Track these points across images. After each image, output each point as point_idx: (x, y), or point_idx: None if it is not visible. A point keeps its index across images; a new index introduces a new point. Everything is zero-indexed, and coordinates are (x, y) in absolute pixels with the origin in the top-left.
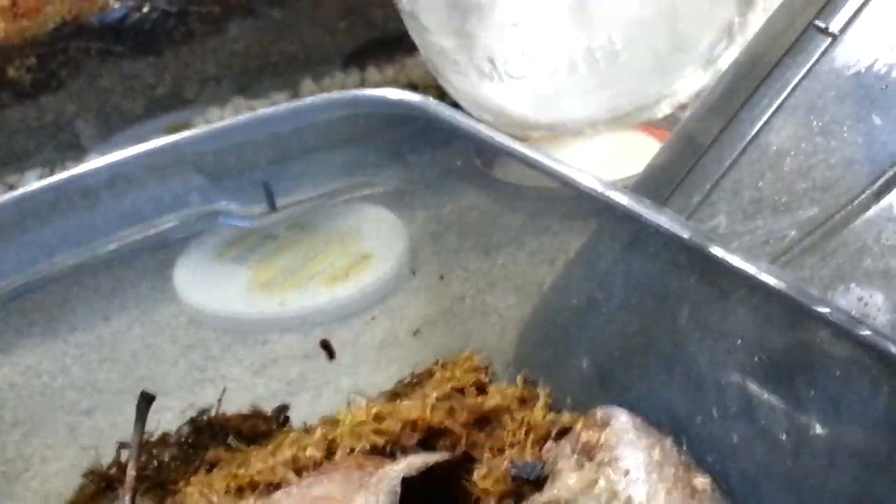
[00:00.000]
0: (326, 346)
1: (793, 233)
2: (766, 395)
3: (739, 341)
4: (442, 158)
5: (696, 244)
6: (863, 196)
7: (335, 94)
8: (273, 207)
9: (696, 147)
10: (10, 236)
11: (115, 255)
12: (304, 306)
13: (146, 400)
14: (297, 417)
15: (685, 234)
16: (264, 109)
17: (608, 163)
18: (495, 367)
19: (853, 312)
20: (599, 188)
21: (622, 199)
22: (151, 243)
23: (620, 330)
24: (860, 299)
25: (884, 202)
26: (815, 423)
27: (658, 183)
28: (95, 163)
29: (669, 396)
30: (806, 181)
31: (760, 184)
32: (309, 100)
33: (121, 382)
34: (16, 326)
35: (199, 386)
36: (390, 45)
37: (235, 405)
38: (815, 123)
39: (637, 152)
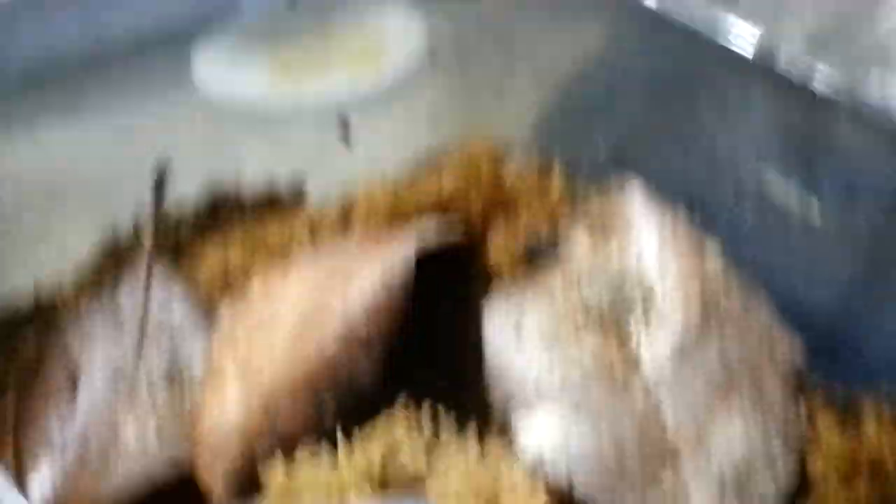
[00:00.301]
0: (345, 128)
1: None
2: (782, 178)
3: (759, 123)
4: None
5: (715, 37)
6: None
7: None
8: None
9: None
10: (28, 26)
11: (134, 44)
12: (323, 92)
13: (162, 170)
14: (314, 192)
15: (705, 24)
16: None
17: None
18: (513, 149)
19: (876, 97)
20: None
21: None
22: (171, 33)
23: (639, 112)
24: (883, 77)
25: None
26: (829, 208)
27: None
28: None
29: (686, 176)
30: None
31: None
32: None
33: (137, 164)
34: (37, 107)
35: (217, 165)
36: None
37: (253, 180)
38: None
39: None
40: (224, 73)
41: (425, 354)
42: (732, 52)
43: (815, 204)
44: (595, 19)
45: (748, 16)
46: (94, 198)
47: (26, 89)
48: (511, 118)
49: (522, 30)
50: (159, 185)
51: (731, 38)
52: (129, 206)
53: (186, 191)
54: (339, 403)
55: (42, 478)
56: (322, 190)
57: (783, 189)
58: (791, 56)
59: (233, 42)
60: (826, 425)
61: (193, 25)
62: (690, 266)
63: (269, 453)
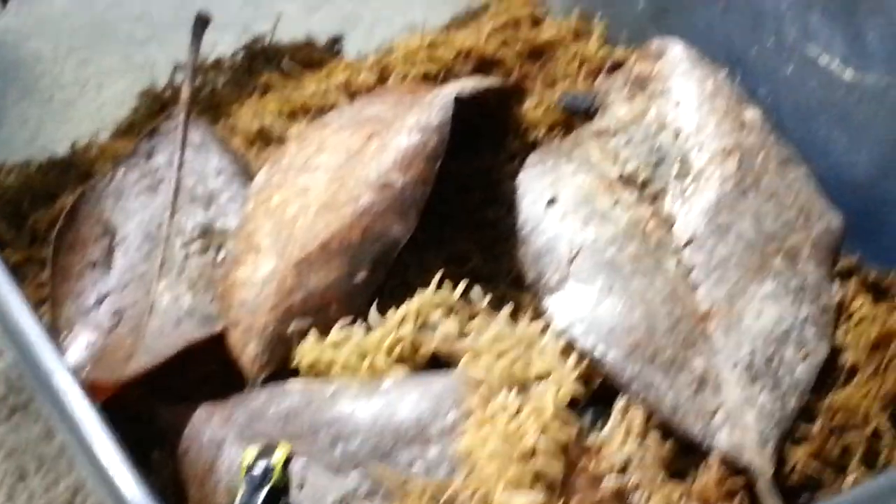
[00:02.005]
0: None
1: None
2: (826, 28)
3: None
4: None
5: None
6: None
7: None
8: None
9: None
10: None
11: None
12: None
13: (201, 21)
14: (350, 50)
15: None
16: None
17: None
18: (551, 2)
19: None
20: None
21: None
22: None
23: None
24: None
25: None
26: (874, 61)
27: None
28: None
29: (726, 27)
30: None
31: None
32: None
33: (175, 13)
34: None
35: (254, 19)
36: None
37: (290, 37)
38: None
39: None
40: None
41: (459, 218)
42: None
43: (858, 59)
44: None
45: None
46: (132, 49)
47: None
48: None
49: None
50: (198, 38)
51: None
52: (168, 56)
53: (225, 43)
54: (373, 262)
55: (77, 341)
56: (359, 43)
57: (826, 47)
58: None
59: None
60: (859, 302)
61: None
62: (729, 125)
63: (301, 322)
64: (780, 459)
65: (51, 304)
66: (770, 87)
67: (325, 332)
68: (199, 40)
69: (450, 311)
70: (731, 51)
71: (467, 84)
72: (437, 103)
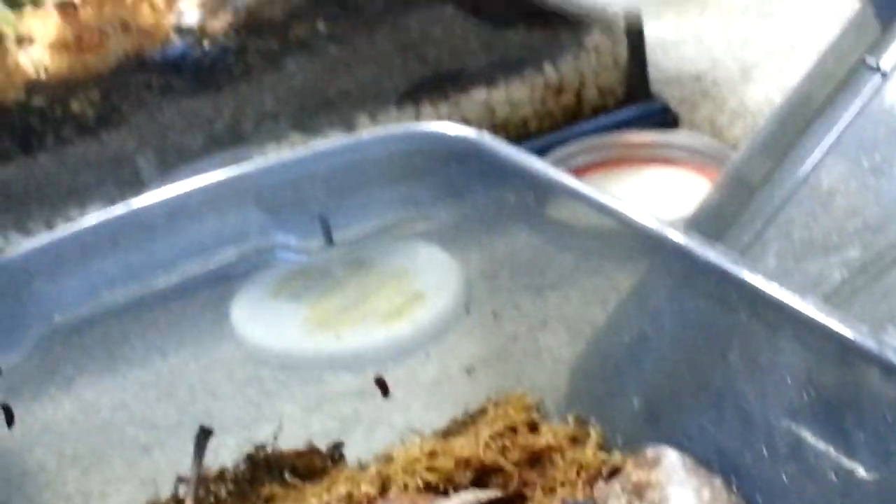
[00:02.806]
0: (381, 384)
1: (843, 273)
2: (815, 435)
3: (789, 379)
4: (496, 195)
5: (747, 281)
6: None
7: (391, 128)
8: (330, 241)
9: (748, 186)
10: (71, 269)
11: (173, 289)
12: (359, 343)
13: (204, 434)
14: (351, 454)
15: (736, 271)
16: (321, 143)
17: (657, 202)
18: (547, 406)
19: None
20: (654, 225)
21: (676, 236)
22: (209, 278)
23: (671, 367)
24: None
25: None
26: (865, 465)
27: (709, 222)
28: (154, 196)
29: (719, 435)
30: (856, 221)
31: (811, 223)
32: (366, 134)
33: (178, 418)
34: (75, 361)
35: (256, 422)
36: (445, 82)
37: (291, 441)
38: (866, 163)
39: (686, 191)
40: (261, 321)
41: None
42: (762, 295)
43: (850, 459)
44: (628, 255)
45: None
46: (135, 457)
47: (68, 338)
48: (545, 371)
49: (555, 272)
50: (200, 451)
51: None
52: (172, 462)
53: (227, 447)
54: None
55: None
56: (360, 446)
57: (817, 454)
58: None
59: (270, 288)
60: None
61: (234, 267)
62: None
63: None
64: None
65: None
66: (766, 494)
67: None
68: (202, 453)
69: None
70: (726, 457)
71: (467, 498)
72: None
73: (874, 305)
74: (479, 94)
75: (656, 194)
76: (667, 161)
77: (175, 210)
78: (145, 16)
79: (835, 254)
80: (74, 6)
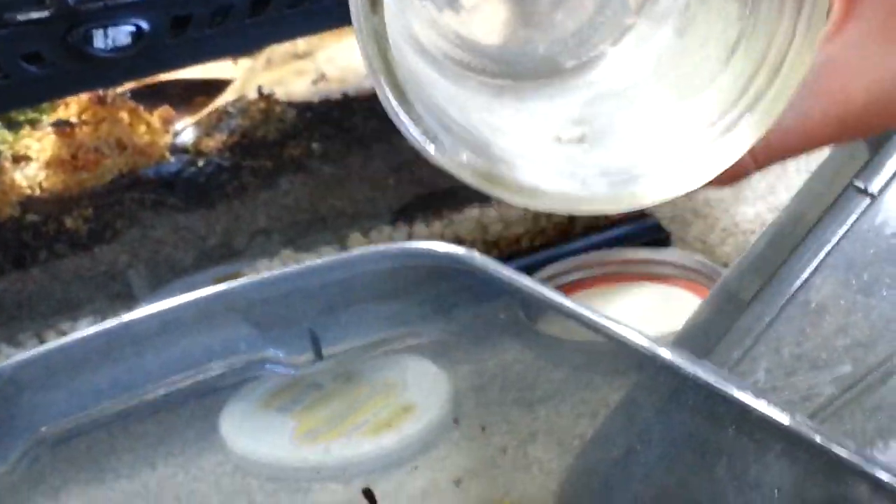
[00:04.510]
0: (369, 496)
1: (832, 389)
2: None
3: (777, 494)
4: (486, 311)
5: (734, 397)
6: None
7: (382, 247)
8: (319, 356)
9: (737, 303)
10: (61, 382)
11: (162, 401)
12: (347, 455)
13: None
14: None
15: (724, 387)
16: (312, 261)
17: (648, 318)
18: None
19: (893, 468)
20: (642, 342)
21: (664, 352)
22: (199, 390)
23: (659, 483)
24: None
25: None
26: None
27: (699, 338)
28: (146, 310)
29: None
30: (845, 338)
31: (800, 340)
32: (356, 251)
33: None
34: (63, 472)
35: None
36: (438, 200)
37: None
38: (853, 282)
39: (677, 308)
40: (250, 432)
41: None
42: (750, 411)
43: None
44: (616, 370)
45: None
46: None
47: (55, 449)
48: (534, 484)
49: (544, 386)
50: None
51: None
52: None
53: None
54: None
55: None
56: None
57: None
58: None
59: (259, 402)
60: None
61: (223, 379)
62: None
63: None
64: None
65: None
66: None
67: None
68: None
69: None
70: None
71: None
72: None
73: (864, 422)
74: (472, 212)
75: (647, 311)
76: (658, 278)
77: (165, 324)
78: (141, 135)
79: (824, 370)
80: (71, 125)
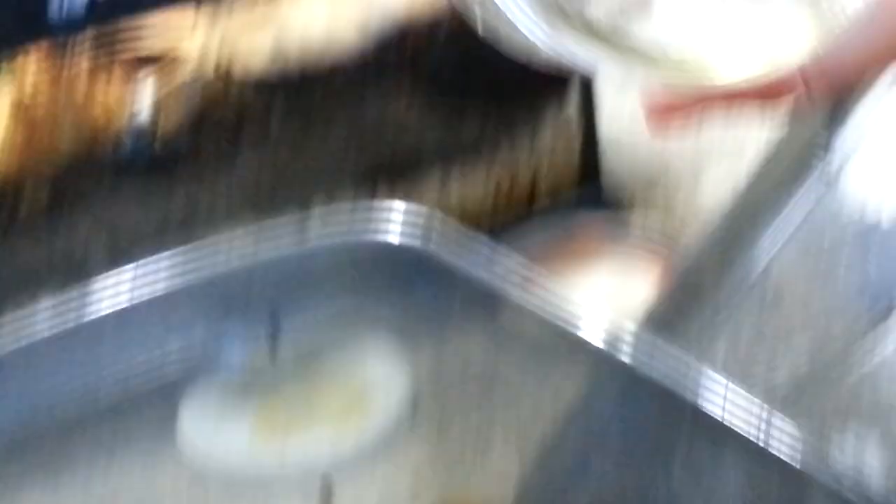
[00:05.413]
0: (327, 493)
1: (790, 376)
2: None
3: (732, 491)
4: (444, 303)
5: (690, 398)
6: (860, 339)
7: (340, 238)
8: (276, 350)
9: (694, 293)
10: (13, 386)
11: (117, 401)
12: (305, 454)
13: None
14: None
15: (679, 388)
16: (270, 250)
17: (615, 291)
18: None
19: (848, 455)
20: (599, 339)
21: (620, 351)
22: (155, 386)
23: (616, 482)
24: (856, 439)
25: (880, 346)
26: None
27: (657, 323)
28: (100, 308)
29: None
30: (803, 326)
31: (759, 327)
32: (314, 243)
33: None
34: (17, 477)
35: None
36: (401, 165)
37: None
38: (812, 268)
39: (641, 275)
40: (207, 432)
41: None
42: (705, 413)
43: None
44: (573, 368)
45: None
46: None
47: (10, 454)
48: (492, 480)
49: (504, 378)
50: None
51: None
52: None
53: None
54: None
55: None
56: None
57: None
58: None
59: (216, 398)
60: None
61: (181, 378)
62: None
63: None
64: None
65: None
66: None
67: None
68: None
69: None
70: None
71: None
72: None
73: (822, 408)
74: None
75: (613, 284)
76: (622, 243)
77: (121, 323)
78: (97, 115)
79: (782, 358)
80: (25, 106)
